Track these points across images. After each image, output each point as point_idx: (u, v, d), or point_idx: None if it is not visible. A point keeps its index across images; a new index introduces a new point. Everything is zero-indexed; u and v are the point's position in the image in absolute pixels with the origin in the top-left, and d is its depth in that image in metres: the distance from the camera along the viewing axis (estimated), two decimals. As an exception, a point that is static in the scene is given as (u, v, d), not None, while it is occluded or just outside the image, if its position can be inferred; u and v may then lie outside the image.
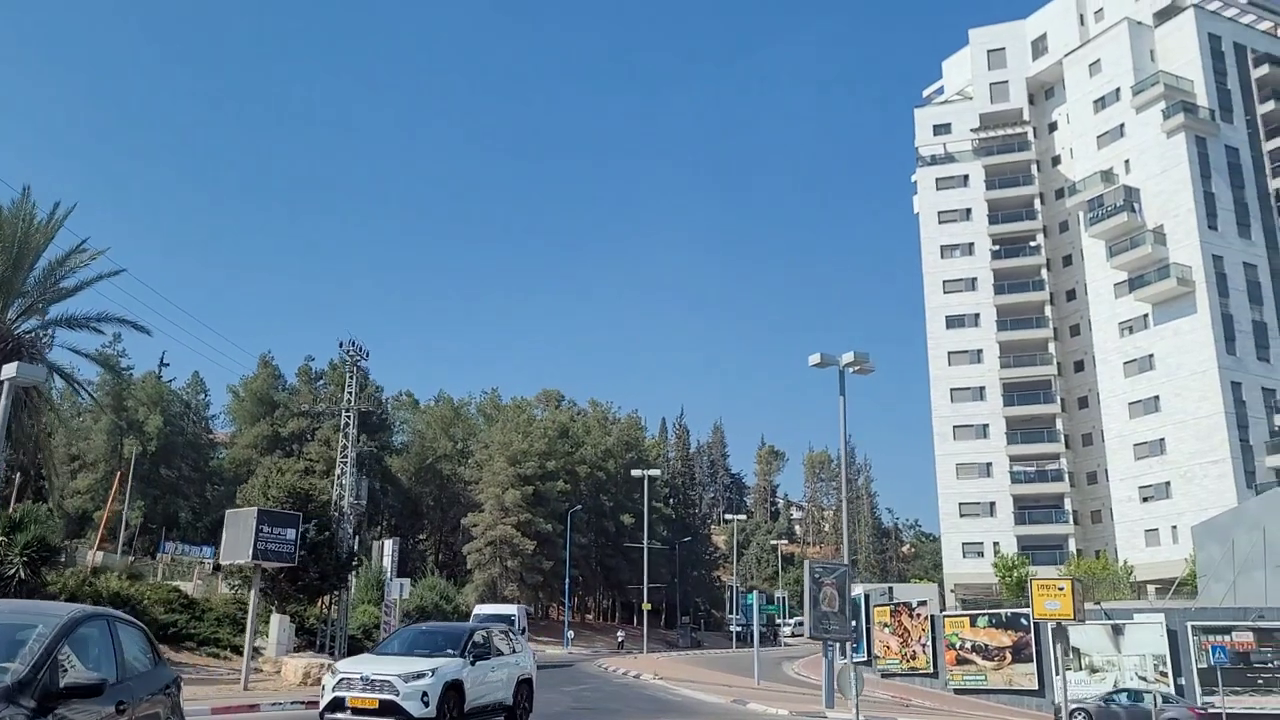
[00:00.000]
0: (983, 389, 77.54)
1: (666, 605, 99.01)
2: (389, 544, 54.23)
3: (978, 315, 78.74)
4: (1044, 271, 78.55)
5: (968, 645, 41.90)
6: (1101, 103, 73.67)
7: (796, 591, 75.46)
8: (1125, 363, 69.43)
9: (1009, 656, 40.58)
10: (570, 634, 70.34)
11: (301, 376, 77.06)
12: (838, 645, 24.94)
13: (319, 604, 44.20)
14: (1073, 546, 72.67)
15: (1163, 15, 73.60)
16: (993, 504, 75.36)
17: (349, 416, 46.17)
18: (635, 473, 62.91)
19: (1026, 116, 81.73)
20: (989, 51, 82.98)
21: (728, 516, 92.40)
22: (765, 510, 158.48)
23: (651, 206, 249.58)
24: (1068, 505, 74.13)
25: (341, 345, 47.19)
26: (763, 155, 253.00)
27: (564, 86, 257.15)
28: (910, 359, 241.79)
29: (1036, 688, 38.41)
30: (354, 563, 46.59)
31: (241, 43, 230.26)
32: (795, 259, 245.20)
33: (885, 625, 46.34)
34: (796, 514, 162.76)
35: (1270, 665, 35.54)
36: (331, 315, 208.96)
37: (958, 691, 41.41)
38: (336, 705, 14.59)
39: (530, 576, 73.96)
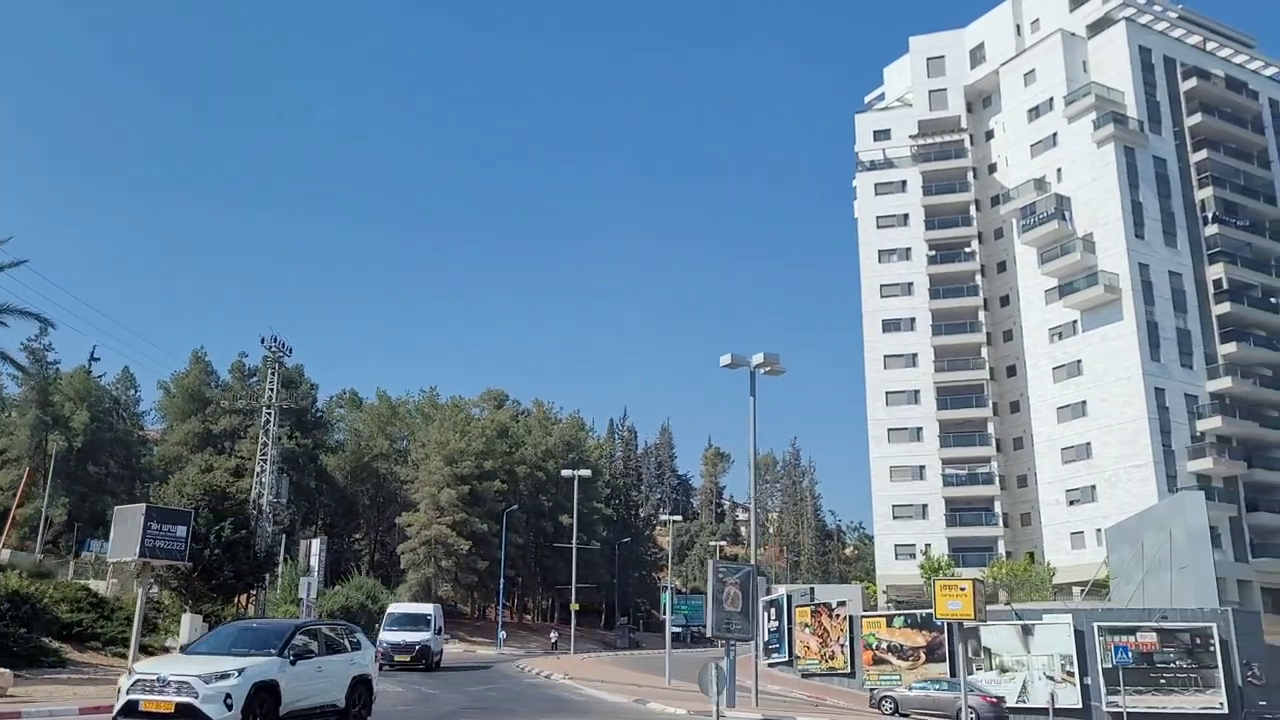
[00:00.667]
0: (917, 392, 78.37)
1: (606, 606, 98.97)
2: (315, 543, 53.80)
3: (914, 319, 79.57)
4: (978, 277, 79.56)
5: (884, 645, 42.38)
6: (1035, 112, 74.89)
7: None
8: (1054, 368, 70.63)
9: (923, 656, 41.09)
10: (503, 634, 70.01)
11: (234, 373, 76.09)
12: (737, 644, 25.11)
13: (236, 603, 43.72)
14: (1002, 549, 73.70)
15: (1096, 27, 74.98)
16: (925, 506, 76.21)
17: (269, 413, 45.80)
18: (566, 473, 62.70)
19: (964, 124, 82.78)
20: (929, 59, 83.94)
21: (664, 517, 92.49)
22: (711, 512, 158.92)
23: (600, 208, 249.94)
24: (998, 508, 75.13)
25: (264, 341, 46.91)
26: (711, 156, 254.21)
27: (519, 91, 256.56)
28: (852, 363, 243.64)
29: (949, 687, 38.76)
30: (273, 562, 46.16)
31: (230, 47, 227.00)
32: (749, 260, 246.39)
33: (806, 625, 46.70)
34: (742, 515, 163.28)
35: (1172, 665, 36.30)
36: (287, 317, 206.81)
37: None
38: (129, 710, 13.53)
39: (465, 576, 73.65)
